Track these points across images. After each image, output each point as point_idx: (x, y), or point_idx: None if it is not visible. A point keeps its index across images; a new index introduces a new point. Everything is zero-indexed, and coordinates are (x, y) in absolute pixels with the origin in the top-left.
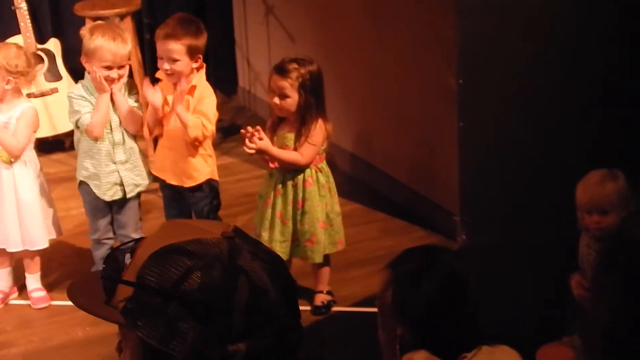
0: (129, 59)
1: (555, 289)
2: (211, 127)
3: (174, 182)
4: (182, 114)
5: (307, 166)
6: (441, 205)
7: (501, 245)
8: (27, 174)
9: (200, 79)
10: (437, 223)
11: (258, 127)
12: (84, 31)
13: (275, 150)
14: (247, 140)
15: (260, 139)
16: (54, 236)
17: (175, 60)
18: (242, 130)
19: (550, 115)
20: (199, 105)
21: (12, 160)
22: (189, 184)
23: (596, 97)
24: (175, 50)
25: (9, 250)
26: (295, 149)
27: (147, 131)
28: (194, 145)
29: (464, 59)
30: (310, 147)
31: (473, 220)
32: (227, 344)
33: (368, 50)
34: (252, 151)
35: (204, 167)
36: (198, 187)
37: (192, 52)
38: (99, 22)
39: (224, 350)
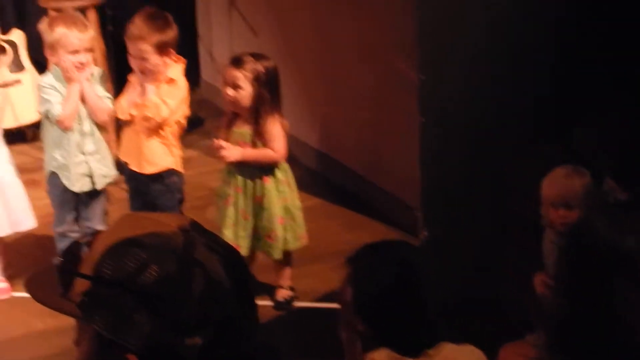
0: (93, 50)
1: (516, 285)
2: (165, 110)
3: (135, 168)
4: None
5: (283, 159)
6: (403, 199)
7: (461, 240)
8: (3, 157)
9: (176, 72)
10: (399, 218)
11: (220, 142)
12: (43, 26)
13: (248, 153)
14: (219, 150)
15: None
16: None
17: (145, 59)
18: (215, 142)
19: (512, 109)
20: (164, 92)
21: None
22: (148, 169)
23: (556, 89)
24: (144, 50)
25: None
26: (253, 145)
27: (121, 111)
28: (154, 128)
29: (425, 54)
30: (277, 141)
31: (434, 215)
32: (183, 336)
33: (327, 43)
34: (228, 155)
35: (165, 155)
36: (159, 178)
37: (161, 49)
38: (54, 14)
39: (181, 342)
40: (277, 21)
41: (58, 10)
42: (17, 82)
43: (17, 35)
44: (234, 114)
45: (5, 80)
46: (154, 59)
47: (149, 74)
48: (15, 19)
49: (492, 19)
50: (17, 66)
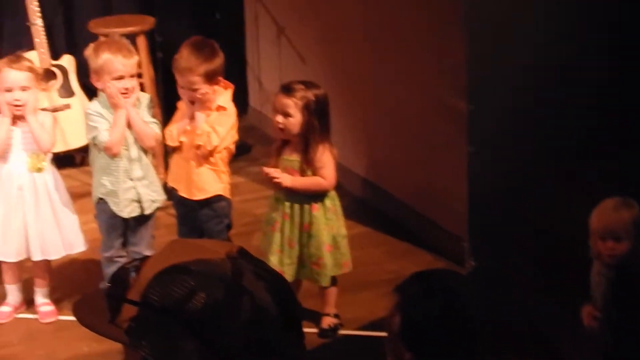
0: (140, 75)
1: (566, 317)
2: (215, 138)
3: (184, 195)
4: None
5: (332, 187)
6: (449, 230)
7: (508, 270)
8: (58, 179)
9: (225, 98)
10: (445, 248)
11: (270, 171)
12: (88, 51)
13: (298, 182)
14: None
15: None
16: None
17: (195, 90)
18: (265, 170)
19: (561, 138)
20: (214, 119)
21: (40, 167)
22: (198, 196)
23: (612, 121)
24: (193, 81)
25: (51, 258)
26: (302, 173)
27: (171, 138)
28: (204, 156)
29: (474, 83)
30: (327, 169)
31: (481, 246)
32: None
33: (377, 73)
34: (280, 181)
35: (215, 182)
36: (208, 204)
37: (209, 78)
38: (100, 40)
39: None
40: (325, 49)
41: (107, 36)
42: (67, 107)
43: (67, 61)
44: (284, 141)
45: (54, 105)
46: (204, 88)
47: (198, 102)
48: (65, 44)
49: (540, 48)
50: (67, 91)
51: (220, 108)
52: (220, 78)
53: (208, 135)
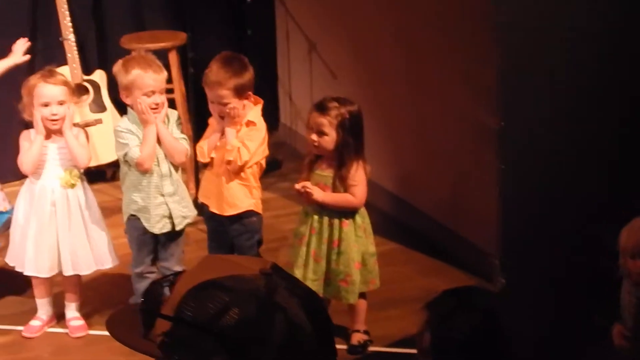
0: (171, 91)
1: (595, 335)
2: (246, 154)
3: (215, 210)
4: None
5: (361, 206)
6: (479, 246)
7: (538, 288)
8: (90, 194)
9: (255, 114)
10: (476, 265)
11: (305, 184)
12: (117, 68)
13: (329, 198)
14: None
15: (310, 188)
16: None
17: (225, 104)
18: (297, 187)
19: (592, 156)
20: (244, 134)
21: (73, 182)
22: (229, 212)
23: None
24: (222, 95)
25: (82, 273)
26: (334, 189)
27: (202, 154)
28: (235, 171)
29: (505, 101)
30: (359, 187)
31: (512, 263)
32: None
33: (407, 88)
34: (312, 193)
35: (246, 197)
36: (239, 219)
37: (239, 92)
38: (128, 56)
39: None
40: (356, 65)
41: (139, 51)
42: (98, 121)
43: (99, 76)
44: (316, 156)
45: (86, 119)
46: (233, 103)
47: (228, 117)
48: (97, 59)
49: (573, 65)
50: (99, 106)
51: (250, 123)
52: (250, 93)
53: (238, 151)
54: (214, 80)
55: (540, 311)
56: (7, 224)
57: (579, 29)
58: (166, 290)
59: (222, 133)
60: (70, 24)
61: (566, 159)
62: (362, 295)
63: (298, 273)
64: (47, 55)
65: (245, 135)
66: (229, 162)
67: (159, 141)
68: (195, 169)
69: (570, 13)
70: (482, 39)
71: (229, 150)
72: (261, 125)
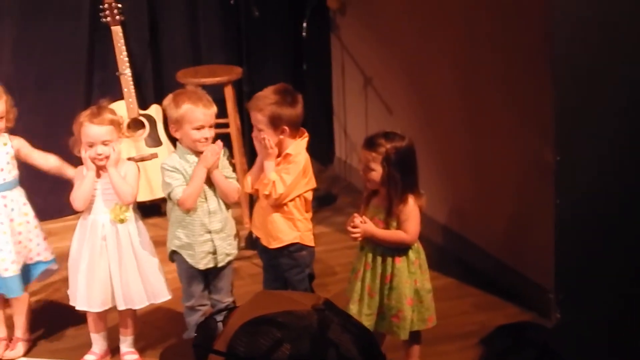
0: (227, 125)
1: None
2: (281, 187)
3: (264, 243)
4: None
5: (414, 242)
6: (535, 281)
7: (595, 324)
8: (142, 228)
9: (296, 147)
10: (531, 300)
11: (358, 215)
12: (167, 102)
13: (379, 233)
14: (350, 227)
15: (364, 222)
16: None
17: (259, 130)
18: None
19: None
20: (282, 167)
21: (123, 218)
22: (274, 245)
23: None
24: (258, 119)
25: (135, 307)
26: (385, 223)
27: (247, 186)
28: (273, 205)
29: (562, 135)
30: (410, 222)
31: (568, 298)
32: None
33: (463, 123)
34: (358, 235)
35: (290, 230)
36: (287, 253)
37: (274, 123)
38: (178, 91)
39: None
40: (412, 100)
41: (198, 86)
42: (154, 156)
43: (155, 110)
44: (373, 191)
45: (142, 154)
46: (266, 132)
47: (260, 148)
48: (154, 93)
49: (629, 99)
50: (154, 140)
51: (287, 156)
52: (286, 129)
53: (273, 184)
54: (254, 102)
55: (596, 347)
56: (47, 274)
57: (637, 63)
58: (219, 324)
59: (262, 166)
60: (126, 59)
61: (623, 194)
62: (415, 339)
63: (354, 308)
64: (104, 90)
65: (283, 168)
66: (266, 196)
67: (210, 181)
68: (250, 202)
69: (629, 48)
70: (538, 73)
71: (265, 183)
72: (300, 158)
